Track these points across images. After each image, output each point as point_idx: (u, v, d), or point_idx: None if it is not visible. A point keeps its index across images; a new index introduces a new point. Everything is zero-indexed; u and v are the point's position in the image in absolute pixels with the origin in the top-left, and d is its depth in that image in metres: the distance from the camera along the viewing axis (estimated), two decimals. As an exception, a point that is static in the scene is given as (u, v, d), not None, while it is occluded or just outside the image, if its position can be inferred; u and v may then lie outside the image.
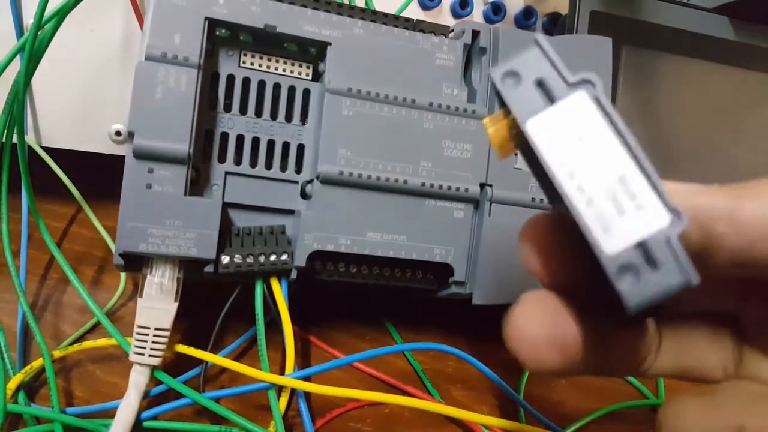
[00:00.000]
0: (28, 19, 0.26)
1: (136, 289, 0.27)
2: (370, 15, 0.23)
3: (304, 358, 0.26)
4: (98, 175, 0.27)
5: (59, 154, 0.26)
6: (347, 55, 0.22)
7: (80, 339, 0.24)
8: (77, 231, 0.28)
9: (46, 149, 0.26)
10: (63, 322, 0.25)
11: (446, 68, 0.23)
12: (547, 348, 0.12)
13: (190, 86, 0.20)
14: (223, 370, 0.24)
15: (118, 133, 0.27)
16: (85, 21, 0.25)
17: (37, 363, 0.22)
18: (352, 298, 0.28)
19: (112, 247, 0.27)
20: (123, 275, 0.26)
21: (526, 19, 0.31)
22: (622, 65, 0.29)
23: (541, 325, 0.12)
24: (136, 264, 0.21)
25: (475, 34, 0.24)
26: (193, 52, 0.20)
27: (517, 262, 0.23)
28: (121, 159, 0.26)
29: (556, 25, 0.32)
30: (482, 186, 0.23)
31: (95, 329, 0.25)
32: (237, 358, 0.25)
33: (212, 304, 0.24)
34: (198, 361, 0.23)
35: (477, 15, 0.31)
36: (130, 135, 0.20)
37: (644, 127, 0.30)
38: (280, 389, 0.22)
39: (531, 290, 0.13)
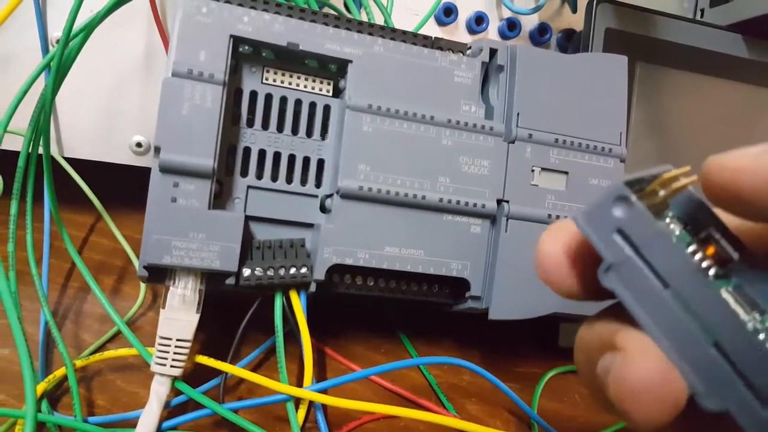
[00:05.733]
0: (53, 33, 0.26)
1: (155, 299, 0.27)
2: (390, 33, 0.24)
3: (319, 370, 0.26)
4: (118, 186, 0.27)
5: (79, 164, 0.26)
6: (368, 72, 0.23)
7: (101, 348, 0.24)
8: (97, 240, 0.29)
9: (67, 159, 0.26)
10: (83, 331, 0.25)
11: (464, 86, 0.24)
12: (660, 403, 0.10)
13: (216, 102, 0.21)
14: (241, 380, 0.25)
15: (138, 145, 0.27)
16: (109, 35, 0.26)
17: (59, 372, 0.22)
18: (367, 310, 0.28)
19: (132, 256, 0.27)
20: (143, 285, 0.26)
21: (540, 35, 0.32)
22: (636, 81, 0.30)
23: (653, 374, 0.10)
24: (160, 276, 0.21)
25: (493, 52, 0.24)
26: (219, 69, 0.21)
27: (534, 278, 0.24)
28: (141, 170, 0.27)
29: (570, 41, 0.32)
30: (499, 202, 0.24)
31: (115, 338, 0.25)
32: (254, 369, 0.25)
33: (229, 314, 0.24)
34: (215, 372, 0.23)
35: (492, 31, 0.32)
36: (156, 150, 0.20)
37: (657, 142, 0.31)
38: (298, 401, 0.22)
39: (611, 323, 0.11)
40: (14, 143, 0.24)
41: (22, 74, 0.25)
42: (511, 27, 0.31)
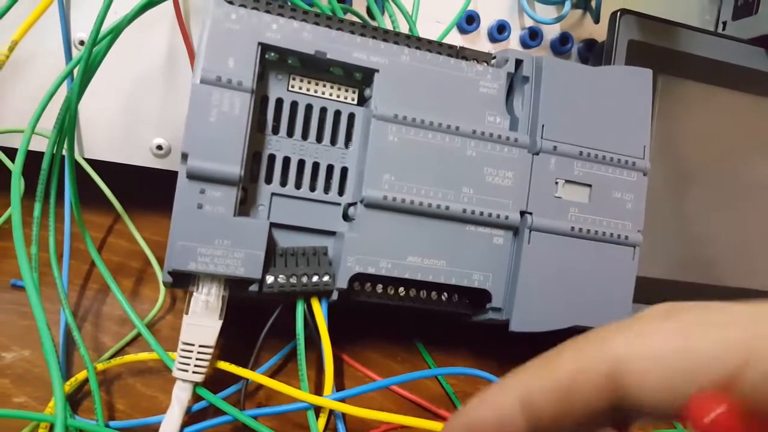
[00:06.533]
0: (76, 34, 0.26)
1: (173, 302, 0.27)
2: (416, 42, 0.24)
3: (336, 377, 0.26)
4: (136, 187, 0.27)
5: (98, 165, 0.26)
6: (394, 81, 0.23)
7: (120, 351, 0.24)
8: (114, 241, 0.29)
9: (87, 160, 0.26)
10: (103, 333, 0.25)
11: (490, 96, 0.24)
12: None
13: (243, 110, 0.21)
14: (259, 386, 0.25)
15: (159, 147, 0.27)
16: (132, 38, 0.26)
17: (80, 375, 0.22)
18: (384, 317, 0.28)
19: (151, 258, 0.27)
20: (162, 288, 0.26)
21: (562, 44, 0.32)
22: (658, 94, 0.30)
23: None
24: (184, 281, 0.21)
25: (519, 62, 0.24)
26: (247, 76, 0.21)
27: (556, 291, 0.24)
28: (159, 172, 0.27)
29: (591, 51, 0.32)
30: (522, 213, 0.24)
31: (133, 341, 0.25)
32: (272, 375, 0.25)
33: (247, 320, 0.24)
34: (234, 377, 0.23)
35: (514, 40, 0.32)
36: (184, 156, 0.20)
37: (677, 155, 0.31)
38: (318, 409, 0.22)
39: None
40: (35, 144, 0.24)
41: (43, 74, 0.25)
42: (532, 36, 0.31)
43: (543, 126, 0.24)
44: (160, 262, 0.27)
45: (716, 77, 0.31)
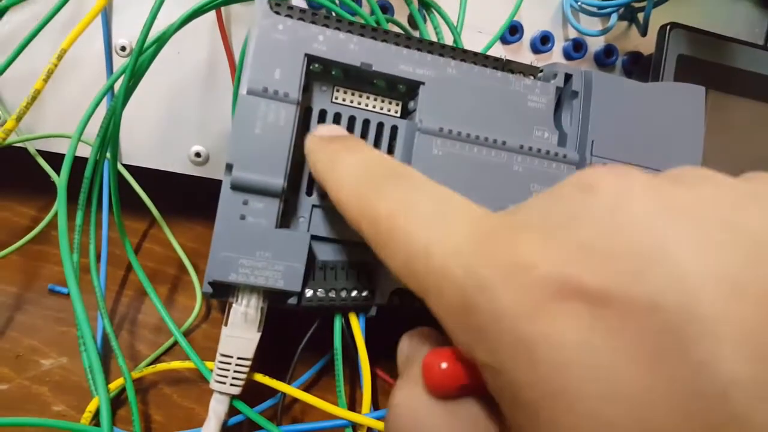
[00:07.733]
0: (117, 40, 0.27)
1: (208, 311, 0.27)
2: (461, 54, 0.23)
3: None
4: (171, 193, 0.27)
5: (133, 170, 0.26)
6: (440, 94, 0.22)
7: (156, 360, 0.24)
8: (149, 247, 0.29)
9: (124, 166, 0.26)
10: (138, 341, 0.25)
11: (538, 111, 0.23)
12: None
13: (288, 122, 0.20)
14: (294, 400, 0.24)
15: (197, 155, 0.27)
16: (173, 44, 0.26)
17: (116, 384, 0.22)
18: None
19: (188, 265, 0.27)
20: (199, 296, 0.26)
21: (606, 57, 0.31)
22: (707, 110, 0.29)
23: None
24: (224, 292, 0.21)
25: (568, 77, 0.24)
26: (293, 87, 0.21)
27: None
28: (194, 179, 0.27)
29: (636, 64, 0.31)
30: (568, 232, 0.23)
31: (168, 350, 0.25)
32: (307, 389, 0.25)
33: (281, 333, 0.23)
34: (267, 390, 0.23)
35: (557, 51, 0.31)
36: (228, 167, 0.20)
37: (725, 173, 0.30)
38: (356, 427, 0.22)
39: None
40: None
41: (82, 80, 0.26)
42: (576, 48, 0.30)
43: (593, 142, 0.23)
44: (196, 269, 0.27)
45: (766, 93, 0.30)
